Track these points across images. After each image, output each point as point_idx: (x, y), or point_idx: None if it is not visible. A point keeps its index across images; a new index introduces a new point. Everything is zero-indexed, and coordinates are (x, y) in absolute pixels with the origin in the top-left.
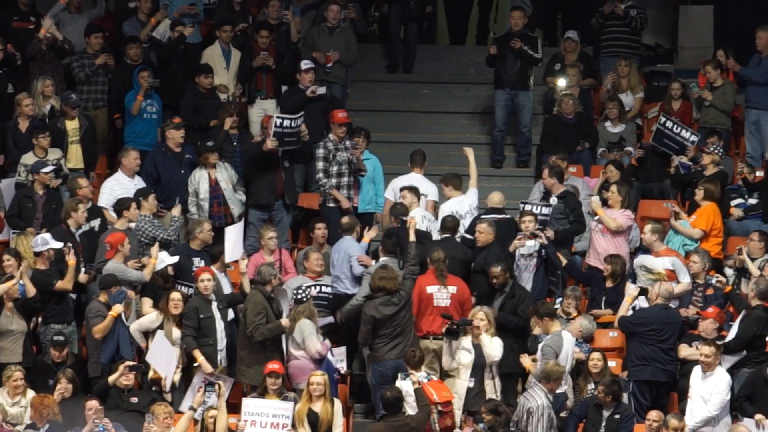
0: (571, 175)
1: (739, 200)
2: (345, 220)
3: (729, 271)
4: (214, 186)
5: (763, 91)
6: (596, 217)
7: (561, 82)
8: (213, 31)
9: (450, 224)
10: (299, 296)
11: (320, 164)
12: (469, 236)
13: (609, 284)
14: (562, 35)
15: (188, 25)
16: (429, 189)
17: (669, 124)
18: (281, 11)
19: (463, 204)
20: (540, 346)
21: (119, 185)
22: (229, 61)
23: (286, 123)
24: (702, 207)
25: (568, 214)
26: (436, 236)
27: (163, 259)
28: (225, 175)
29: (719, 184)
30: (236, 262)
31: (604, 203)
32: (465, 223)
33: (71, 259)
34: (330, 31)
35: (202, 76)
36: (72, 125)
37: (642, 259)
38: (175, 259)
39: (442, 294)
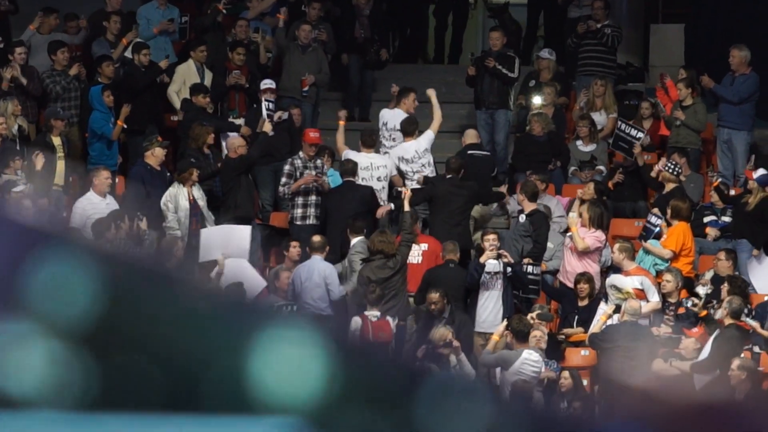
0: (546, 194)
1: (712, 217)
2: (316, 238)
3: (701, 291)
4: (193, 203)
5: (735, 110)
6: (569, 234)
7: (536, 100)
8: (186, 50)
9: (454, 165)
10: None
11: (284, 179)
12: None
13: (582, 303)
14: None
15: (164, 58)
16: (389, 166)
17: (623, 126)
18: (249, 31)
19: (410, 149)
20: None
21: (91, 205)
22: (203, 80)
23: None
24: (672, 226)
25: (531, 233)
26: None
27: None
28: (199, 193)
29: (687, 201)
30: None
31: None
32: (413, 168)
33: None
34: (302, 50)
35: (200, 96)
36: (57, 141)
37: (612, 279)
38: None
39: (413, 252)
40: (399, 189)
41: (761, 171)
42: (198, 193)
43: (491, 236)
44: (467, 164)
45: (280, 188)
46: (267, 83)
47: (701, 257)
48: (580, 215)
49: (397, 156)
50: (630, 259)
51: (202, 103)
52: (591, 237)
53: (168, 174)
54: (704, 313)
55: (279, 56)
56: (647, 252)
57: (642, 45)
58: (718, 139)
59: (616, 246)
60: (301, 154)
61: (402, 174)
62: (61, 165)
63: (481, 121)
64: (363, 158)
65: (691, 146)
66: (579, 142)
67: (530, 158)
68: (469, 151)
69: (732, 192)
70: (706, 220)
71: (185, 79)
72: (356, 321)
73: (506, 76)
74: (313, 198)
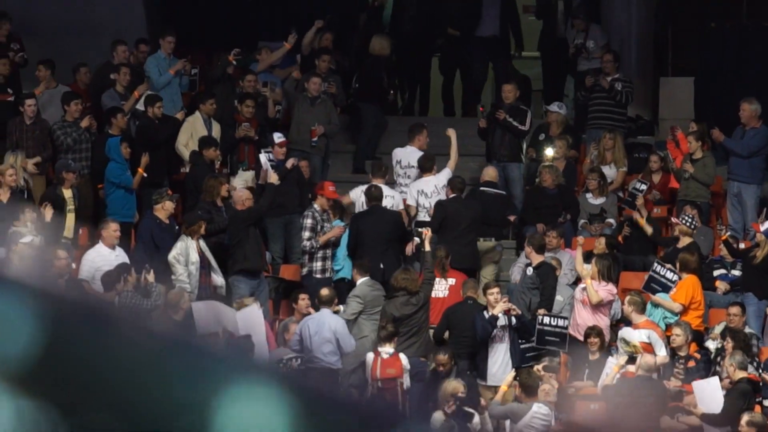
0: (560, 249)
1: (722, 271)
2: (325, 292)
3: (711, 345)
4: (201, 256)
5: (745, 164)
6: (582, 286)
7: (549, 152)
8: (194, 102)
9: (458, 185)
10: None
11: (307, 233)
12: (423, 222)
13: (593, 357)
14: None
15: (180, 110)
16: (397, 198)
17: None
18: (258, 84)
19: (429, 183)
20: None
21: (100, 257)
22: (211, 132)
23: (272, 157)
24: (681, 279)
25: (539, 285)
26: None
27: None
28: (204, 245)
29: (696, 254)
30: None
31: None
32: (431, 202)
33: None
34: (311, 102)
35: (211, 150)
36: (68, 194)
37: (623, 332)
38: None
39: (440, 286)
40: (420, 230)
41: None
42: (203, 245)
43: (494, 289)
44: (481, 199)
45: (306, 242)
46: (278, 136)
47: (711, 311)
48: (591, 266)
49: (417, 190)
50: (639, 312)
51: (213, 156)
52: (604, 290)
53: (177, 227)
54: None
55: (288, 108)
56: (656, 305)
57: (651, 98)
58: (728, 193)
59: (627, 299)
60: (316, 206)
61: (419, 207)
62: (71, 218)
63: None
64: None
65: (701, 199)
66: (589, 195)
67: (540, 211)
68: (482, 188)
69: (742, 245)
70: (716, 273)
71: (192, 132)
72: (369, 356)
73: (517, 128)
74: (329, 251)
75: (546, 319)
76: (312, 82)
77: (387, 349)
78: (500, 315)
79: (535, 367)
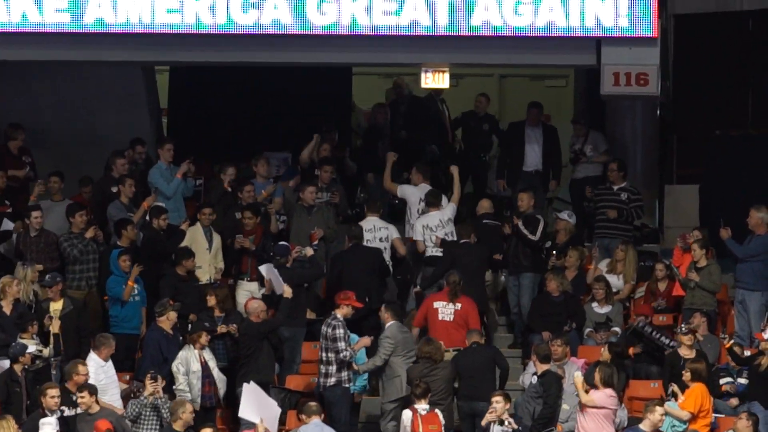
0: (569, 360)
1: (728, 379)
2: (312, 404)
3: None
4: (204, 366)
5: (749, 270)
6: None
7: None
8: (197, 213)
9: (466, 230)
10: None
11: (342, 344)
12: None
13: None
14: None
15: (183, 222)
16: (390, 229)
17: (647, 329)
18: (255, 196)
19: (434, 218)
20: None
21: (101, 369)
22: (211, 242)
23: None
24: (690, 388)
25: (542, 394)
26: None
27: None
28: (210, 355)
29: (705, 364)
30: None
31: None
32: (437, 235)
33: None
34: (308, 211)
35: (184, 260)
36: (54, 306)
37: None
38: None
39: (447, 309)
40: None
41: None
42: (209, 355)
43: (497, 398)
44: (481, 231)
45: (345, 353)
46: (282, 245)
47: (718, 418)
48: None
49: (423, 224)
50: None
51: (190, 266)
52: (599, 393)
53: (180, 338)
54: None
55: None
56: (665, 414)
57: (657, 206)
58: (735, 300)
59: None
60: (339, 315)
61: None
62: (56, 329)
63: (509, 282)
64: (367, 222)
65: (707, 307)
66: (594, 304)
67: (546, 319)
68: (484, 221)
69: (747, 353)
70: (722, 381)
71: (192, 242)
72: (406, 414)
73: (526, 237)
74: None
75: None
76: (307, 191)
77: (423, 405)
78: (498, 427)
79: None
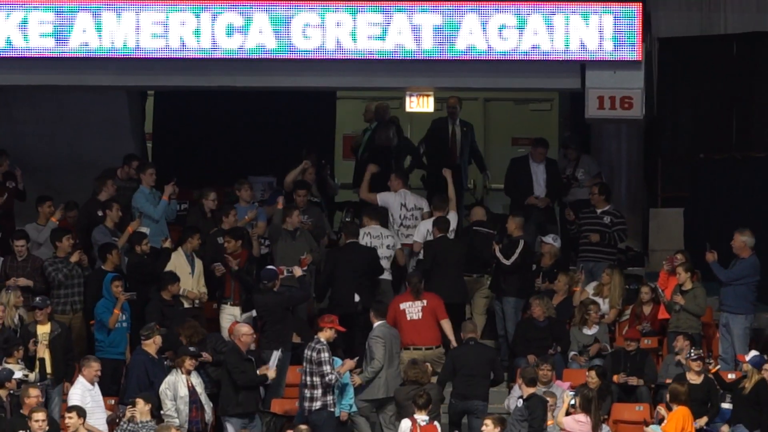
0: (554, 383)
1: None
2: (303, 427)
3: None
4: (191, 390)
5: (732, 294)
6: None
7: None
8: (181, 238)
9: (443, 225)
10: None
11: (328, 367)
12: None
13: None
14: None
15: (164, 240)
16: (396, 238)
17: None
18: (237, 220)
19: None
20: None
21: (87, 393)
22: (194, 266)
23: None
24: (672, 411)
25: (528, 418)
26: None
27: None
28: (198, 380)
29: (686, 386)
30: None
31: None
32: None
33: None
34: (292, 236)
35: (170, 285)
36: (42, 329)
37: None
38: None
39: (413, 308)
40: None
41: (753, 353)
42: (196, 380)
43: (487, 420)
44: (472, 238)
45: (331, 376)
46: (269, 270)
47: None
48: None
49: (427, 228)
50: None
51: (175, 290)
52: (568, 418)
53: (165, 361)
54: None
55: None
56: None
57: (642, 229)
58: (719, 323)
59: None
60: (322, 339)
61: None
62: (42, 353)
63: (495, 306)
64: (373, 229)
65: (692, 330)
66: (585, 327)
67: (530, 343)
68: (475, 227)
69: (732, 376)
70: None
71: (175, 267)
72: (405, 424)
73: (499, 260)
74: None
75: None
76: (294, 215)
77: (423, 416)
78: None
79: None
